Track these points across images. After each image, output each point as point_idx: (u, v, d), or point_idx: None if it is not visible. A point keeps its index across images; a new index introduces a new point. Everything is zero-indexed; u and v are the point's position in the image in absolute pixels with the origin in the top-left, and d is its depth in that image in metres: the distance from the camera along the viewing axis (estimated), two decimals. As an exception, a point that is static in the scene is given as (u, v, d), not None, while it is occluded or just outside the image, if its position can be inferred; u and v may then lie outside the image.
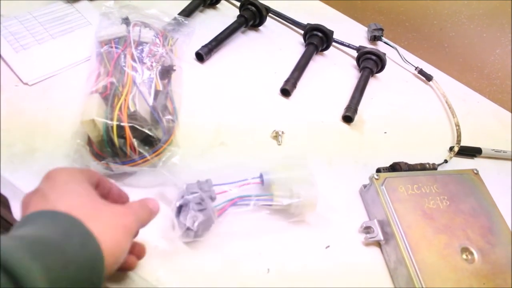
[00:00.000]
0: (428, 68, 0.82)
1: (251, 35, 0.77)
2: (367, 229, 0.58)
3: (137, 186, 0.54)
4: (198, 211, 0.50)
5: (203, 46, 0.69)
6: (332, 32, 0.75)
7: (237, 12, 0.78)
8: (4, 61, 0.62)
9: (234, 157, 0.60)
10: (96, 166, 0.53)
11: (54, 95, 0.60)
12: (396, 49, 0.80)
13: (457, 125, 0.73)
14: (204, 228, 0.51)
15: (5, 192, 0.52)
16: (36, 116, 0.58)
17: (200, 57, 0.69)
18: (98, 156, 0.53)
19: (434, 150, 0.69)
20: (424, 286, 0.51)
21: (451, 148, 0.70)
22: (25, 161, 0.54)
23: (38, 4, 0.70)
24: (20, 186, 0.52)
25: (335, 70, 0.76)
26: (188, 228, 0.50)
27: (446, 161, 0.68)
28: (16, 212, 0.51)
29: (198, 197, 0.51)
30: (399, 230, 0.55)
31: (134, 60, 0.60)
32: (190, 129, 0.60)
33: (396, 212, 0.56)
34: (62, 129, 0.56)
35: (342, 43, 0.78)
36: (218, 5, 0.79)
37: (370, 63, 0.74)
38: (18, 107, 0.58)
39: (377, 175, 0.59)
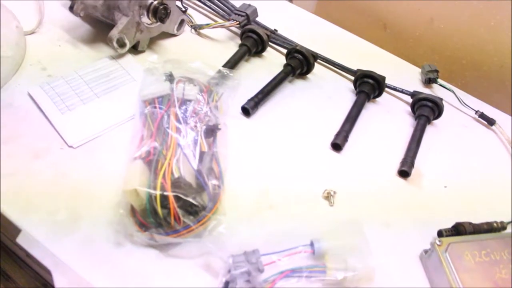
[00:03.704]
0: (490, 111, 0.76)
1: (298, 84, 0.74)
2: (430, 302, 0.53)
3: (182, 257, 0.52)
4: (245, 288, 0.47)
5: (249, 100, 0.66)
6: (384, 78, 0.71)
7: (283, 59, 0.75)
8: (51, 123, 0.62)
9: (283, 221, 0.57)
10: (140, 237, 0.51)
11: (98, 158, 0.59)
12: (454, 92, 0.75)
13: (527, 175, 0.67)
14: (253, 304, 0.48)
15: (47, 264, 0.51)
16: (80, 181, 0.57)
17: (246, 111, 0.66)
18: (142, 226, 0.51)
19: (502, 205, 0.63)
20: None
21: (520, 203, 0.64)
22: (68, 229, 0.53)
23: (86, 61, 0.71)
24: (62, 257, 0.51)
25: (388, 118, 0.72)
26: (235, 307, 0.47)
27: (516, 219, 0.62)
28: (59, 285, 0.50)
29: (245, 272, 0.48)
30: (467, 305, 0.50)
31: (178, 120, 0.58)
32: (236, 192, 0.57)
33: (463, 284, 0.51)
34: (105, 195, 0.55)
35: (395, 89, 0.74)
36: (263, 53, 0.77)
37: (426, 110, 0.70)
38: (63, 171, 0.58)
39: (439, 241, 0.54)
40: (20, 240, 0.52)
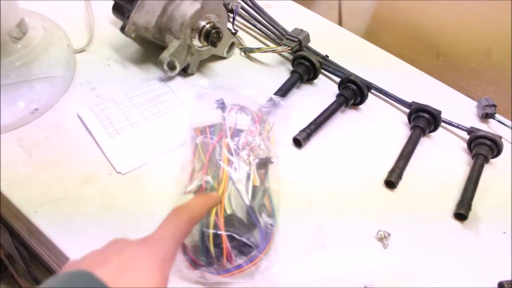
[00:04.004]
0: (550, 149, 0.72)
1: (350, 114, 0.72)
2: None
3: (233, 297, 0.50)
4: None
5: (301, 131, 0.64)
6: (440, 112, 0.68)
7: (334, 87, 0.73)
8: (99, 147, 0.61)
9: (335, 262, 0.54)
10: (190, 274, 0.49)
11: (146, 186, 0.58)
12: (512, 129, 0.72)
13: None
14: None
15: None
16: (128, 210, 0.56)
17: (298, 142, 0.64)
18: (193, 263, 0.50)
19: None
20: None
21: None
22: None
23: (134, 81, 0.70)
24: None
25: (443, 155, 0.69)
26: None
27: None
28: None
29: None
30: None
31: (230, 152, 0.57)
32: (289, 229, 0.55)
33: None
34: (154, 227, 0.54)
35: (450, 123, 0.71)
36: (315, 80, 0.75)
37: (484, 148, 0.66)
38: (111, 198, 0.57)
39: (502, 296, 0.51)
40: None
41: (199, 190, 0.53)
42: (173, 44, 0.66)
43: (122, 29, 0.67)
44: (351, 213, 0.60)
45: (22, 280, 1.01)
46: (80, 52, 0.72)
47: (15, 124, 0.61)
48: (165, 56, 0.66)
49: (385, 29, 0.91)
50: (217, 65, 0.75)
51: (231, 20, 0.72)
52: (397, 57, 0.84)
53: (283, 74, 0.75)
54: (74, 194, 0.56)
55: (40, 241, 0.57)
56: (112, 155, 0.60)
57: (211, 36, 0.66)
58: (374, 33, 0.91)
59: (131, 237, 0.53)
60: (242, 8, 0.78)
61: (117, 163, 0.59)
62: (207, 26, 0.66)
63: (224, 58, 0.76)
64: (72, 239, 0.53)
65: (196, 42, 0.68)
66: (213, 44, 0.67)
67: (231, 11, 0.72)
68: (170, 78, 0.70)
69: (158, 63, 0.67)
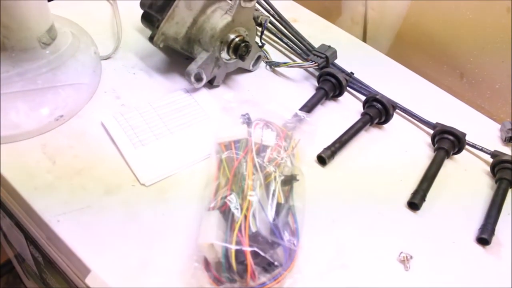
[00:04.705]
0: None
1: (374, 133, 0.71)
2: None
3: (257, 316, 0.50)
4: None
5: (325, 149, 0.64)
6: (465, 135, 0.68)
7: (358, 104, 0.73)
8: (123, 157, 0.61)
9: (357, 283, 0.54)
10: (213, 291, 0.49)
11: (170, 199, 0.58)
12: (537, 155, 0.71)
13: None
14: None
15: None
16: (152, 223, 0.55)
17: (322, 160, 0.64)
18: (216, 280, 0.49)
19: None
20: None
21: None
22: (139, 277, 0.51)
23: (159, 91, 0.70)
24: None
25: (465, 178, 0.68)
26: None
27: None
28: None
29: None
30: None
31: (255, 168, 0.57)
32: (310, 247, 0.55)
33: None
34: (178, 242, 0.53)
35: (474, 146, 0.70)
36: (339, 98, 0.74)
37: (508, 173, 0.66)
38: (134, 211, 0.56)
39: (527, 326, 0.51)
40: (89, 280, 0.51)
41: (223, 205, 0.53)
42: (202, 56, 0.66)
43: (151, 38, 0.67)
44: (373, 233, 0.59)
45: (31, 282, 1.01)
46: (106, 59, 0.72)
47: (39, 130, 0.62)
48: (193, 67, 0.66)
49: (409, 47, 0.90)
50: (242, 78, 0.75)
51: (258, 34, 0.72)
52: (420, 76, 0.84)
53: (307, 89, 0.75)
54: (97, 204, 0.56)
55: (60, 250, 0.56)
56: (136, 167, 0.59)
57: (240, 50, 0.66)
58: (398, 50, 0.91)
59: (153, 249, 0.53)
60: (270, 21, 0.77)
61: (141, 174, 0.59)
62: (237, 39, 0.66)
63: (249, 71, 0.75)
64: (94, 250, 0.52)
65: (224, 55, 0.67)
66: (241, 58, 0.67)
67: (260, 25, 0.72)
68: (195, 90, 0.69)
69: (185, 75, 0.67)
